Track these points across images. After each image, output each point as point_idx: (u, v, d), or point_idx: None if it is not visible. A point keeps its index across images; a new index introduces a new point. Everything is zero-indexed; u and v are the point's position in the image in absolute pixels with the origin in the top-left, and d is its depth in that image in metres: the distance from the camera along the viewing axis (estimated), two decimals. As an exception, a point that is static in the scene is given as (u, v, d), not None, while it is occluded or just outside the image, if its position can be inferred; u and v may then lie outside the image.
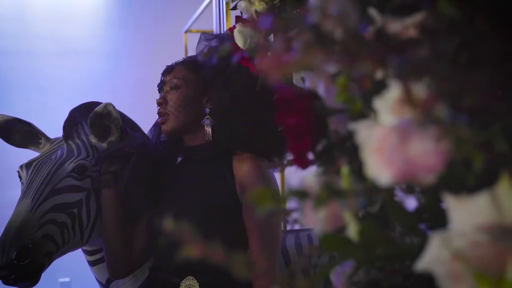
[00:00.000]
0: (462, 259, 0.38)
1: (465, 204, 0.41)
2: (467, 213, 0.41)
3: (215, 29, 2.63)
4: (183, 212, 1.46)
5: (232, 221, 1.43)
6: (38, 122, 1.77)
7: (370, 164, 0.42)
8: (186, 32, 3.70)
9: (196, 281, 1.39)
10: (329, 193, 0.40)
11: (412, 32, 0.43)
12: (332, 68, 0.52)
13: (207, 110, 1.52)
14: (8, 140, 1.72)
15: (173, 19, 4.20)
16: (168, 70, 1.56)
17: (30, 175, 1.58)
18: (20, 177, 1.63)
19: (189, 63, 1.56)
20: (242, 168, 1.45)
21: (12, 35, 4.05)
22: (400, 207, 0.49)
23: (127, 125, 1.73)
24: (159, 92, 1.58)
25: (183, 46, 3.71)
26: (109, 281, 1.73)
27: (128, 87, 4.10)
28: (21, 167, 1.63)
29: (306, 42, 0.31)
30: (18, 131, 1.71)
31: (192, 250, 0.39)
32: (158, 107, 1.55)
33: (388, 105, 0.43)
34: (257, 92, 1.12)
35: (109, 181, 1.58)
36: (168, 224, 0.39)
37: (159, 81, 1.59)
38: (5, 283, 1.43)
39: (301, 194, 0.40)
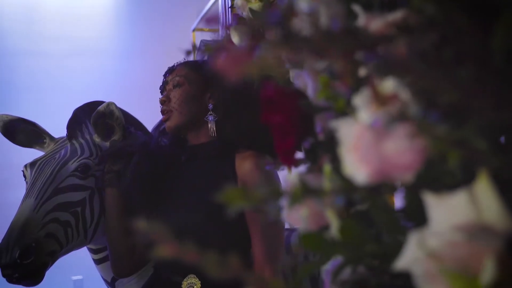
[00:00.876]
0: (436, 259, 0.37)
1: (444, 202, 0.41)
2: (446, 212, 0.40)
3: (220, 27, 2.62)
4: (185, 211, 1.46)
5: (234, 219, 1.43)
6: (47, 123, 1.78)
7: (347, 162, 0.42)
8: (193, 30, 3.71)
9: (197, 279, 1.39)
10: (304, 191, 0.40)
11: (388, 29, 0.43)
12: (319, 65, 0.51)
13: (210, 106, 1.52)
14: (13, 140, 1.73)
15: (181, 18, 4.21)
16: (170, 71, 1.57)
17: (34, 174, 1.59)
18: (24, 176, 1.64)
19: (190, 63, 1.57)
20: (244, 165, 1.45)
21: (21, 35, 4.08)
22: (383, 206, 0.49)
23: (132, 124, 1.73)
24: (161, 93, 1.58)
25: (191, 44, 3.70)
26: (114, 280, 1.74)
27: (138, 86, 4.11)
28: (25, 166, 1.64)
29: (270, 40, 0.31)
30: (23, 131, 1.72)
31: (165, 250, 0.38)
32: (161, 106, 1.55)
33: (366, 102, 0.42)
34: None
35: (112, 180, 1.59)
36: (141, 224, 0.39)
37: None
38: (9, 281, 1.44)
39: (277, 193, 0.39)
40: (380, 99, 0.35)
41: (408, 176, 0.40)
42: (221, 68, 0.31)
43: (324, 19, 0.40)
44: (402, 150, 0.39)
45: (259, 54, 0.29)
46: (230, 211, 0.38)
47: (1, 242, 1.43)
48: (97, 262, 1.77)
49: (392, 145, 0.39)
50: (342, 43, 0.34)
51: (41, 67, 4.06)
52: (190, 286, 1.40)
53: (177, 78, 1.52)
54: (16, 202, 1.57)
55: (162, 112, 1.55)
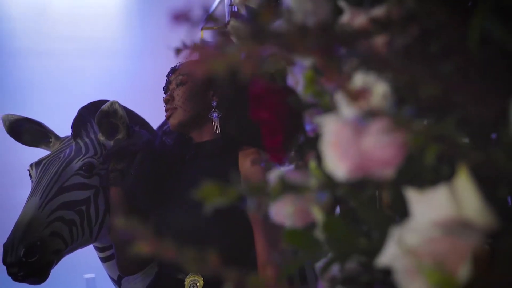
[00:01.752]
0: (414, 255, 0.37)
1: (425, 197, 0.40)
2: (427, 207, 0.40)
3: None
4: (188, 210, 1.46)
5: (237, 217, 1.43)
6: (59, 123, 1.79)
7: (328, 158, 0.42)
8: (202, 29, 3.70)
9: (200, 276, 1.39)
10: (283, 188, 0.40)
11: (370, 25, 0.42)
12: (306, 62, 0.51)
13: (214, 103, 1.53)
14: (19, 139, 1.74)
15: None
16: (173, 70, 1.58)
17: (39, 173, 1.60)
18: (30, 175, 1.65)
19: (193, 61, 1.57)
20: (247, 163, 1.45)
21: (32, 35, 4.10)
22: (368, 201, 0.48)
23: (136, 122, 1.74)
24: (165, 93, 1.59)
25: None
26: (120, 278, 1.75)
27: (148, 86, 4.10)
28: (31, 165, 1.65)
29: (240, 35, 0.31)
30: (28, 131, 1.73)
31: (144, 247, 0.38)
32: (165, 105, 1.56)
33: (346, 98, 0.42)
34: None
35: (117, 179, 1.59)
36: (119, 222, 0.39)
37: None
38: (14, 279, 1.45)
39: (255, 189, 0.39)
40: (351, 95, 0.35)
41: (388, 172, 0.40)
42: (190, 66, 0.31)
43: (299, 15, 0.40)
44: (381, 146, 0.39)
45: (226, 50, 0.29)
46: (206, 208, 0.38)
47: (6, 240, 1.44)
48: (103, 260, 1.78)
49: (371, 141, 0.39)
50: (315, 38, 0.34)
51: (51, 67, 4.08)
52: (193, 283, 1.40)
53: (180, 77, 1.53)
54: (21, 201, 1.58)
55: (166, 110, 1.56)
